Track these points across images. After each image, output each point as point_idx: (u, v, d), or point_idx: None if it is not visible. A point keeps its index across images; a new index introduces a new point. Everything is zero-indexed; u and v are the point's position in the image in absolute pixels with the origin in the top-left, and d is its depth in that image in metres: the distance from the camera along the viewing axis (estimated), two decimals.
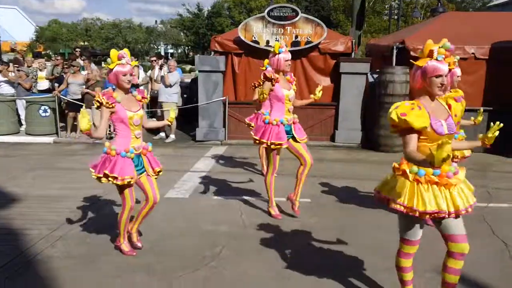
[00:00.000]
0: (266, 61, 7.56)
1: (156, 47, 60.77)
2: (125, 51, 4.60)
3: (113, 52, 4.55)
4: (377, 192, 3.70)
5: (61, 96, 12.04)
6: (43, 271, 4.66)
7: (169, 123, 5.40)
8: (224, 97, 11.24)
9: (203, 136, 11.45)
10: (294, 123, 6.00)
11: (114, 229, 5.78)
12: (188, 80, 15.60)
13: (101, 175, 4.58)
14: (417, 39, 10.70)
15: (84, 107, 11.36)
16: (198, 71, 11.65)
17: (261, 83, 7.43)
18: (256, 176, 8.43)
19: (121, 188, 4.74)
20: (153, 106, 12.82)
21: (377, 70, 11.02)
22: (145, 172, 4.89)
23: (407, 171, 3.46)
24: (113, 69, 4.53)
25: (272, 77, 5.74)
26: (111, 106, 4.52)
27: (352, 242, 5.45)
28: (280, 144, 5.84)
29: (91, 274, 4.60)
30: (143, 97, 4.84)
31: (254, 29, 11.08)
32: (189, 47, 54.44)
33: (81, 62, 12.94)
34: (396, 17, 29.88)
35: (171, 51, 61.55)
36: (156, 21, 65.14)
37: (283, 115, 5.93)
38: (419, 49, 10.39)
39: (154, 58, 13.57)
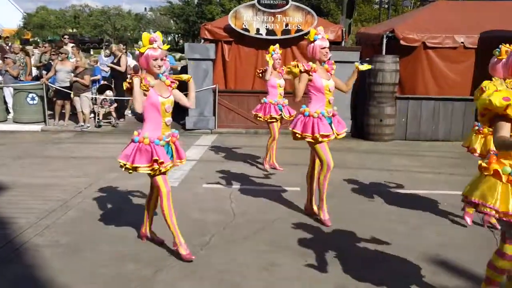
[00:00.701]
0: (272, 47, 7.67)
1: None
2: (158, 34, 4.37)
3: (145, 35, 4.31)
4: (464, 197, 3.31)
5: (49, 84, 11.93)
6: (31, 259, 4.63)
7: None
8: (214, 85, 11.19)
9: (193, 124, 11.41)
10: (333, 115, 5.57)
11: (102, 217, 5.78)
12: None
13: (142, 165, 4.42)
14: (407, 28, 10.71)
15: (72, 95, 11.33)
16: (188, 59, 11.58)
17: (261, 71, 7.76)
18: (246, 165, 8.42)
19: (153, 176, 4.57)
20: None
21: (367, 59, 11.01)
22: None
23: (500, 171, 3.08)
24: (143, 52, 4.29)
25: (307, 68, 5.32)
26: (147, 88, 4.31)
27: (342, 229, 5.48)
28: (328, 136, 5.38)
29: (79, 263, 4.58)
30: (172, 82, 4.60)
31: (244, 17, 11.02)
32: (179, 35, 54.13)
33: (69, 50, 12.81)
34: (386, 6, 29.86)
35: None
36: (145, 8, 64.81)
37: (324, 106, 5.50)
38: (408, 38, 10.45)
39: None
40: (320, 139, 5.33)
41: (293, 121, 5.62)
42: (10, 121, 12.13)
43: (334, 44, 11.02)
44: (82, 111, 11.44)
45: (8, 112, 12.56)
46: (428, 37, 10.37)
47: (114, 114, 11.96)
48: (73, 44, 14.40)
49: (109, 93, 11.97)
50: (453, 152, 9.45)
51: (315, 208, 5.85)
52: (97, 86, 12.57)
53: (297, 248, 4.97)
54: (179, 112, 13.07)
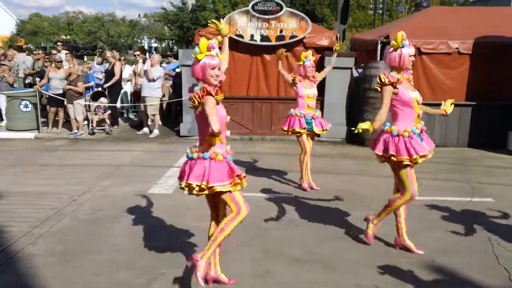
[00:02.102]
0: (304, 54, 7.06)
1: (139, 41, 60.41)
2: (215, 42, 3.91)
3: (203, 41, 3.82)
4: None
5: (42, 91, 11.88)
6: (25, 268, 4.58)
7: None
8: None
9: (187, 131, 11.37)
10: (422, 131, 4.87)
11: (95, 226, 5.73)
12: None
13: (222, 183, 3.83)
14: None
15: (65, 102, 11.28)
16: (181, 65, 11.54)
17: (293, 78, 6.99)
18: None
19: (228, 195, 3.96)
20: (137, 100, 12.75)
21: (362, 64, 11.03)
22: None
23: None
24: (200, 60, 3.81)
25: (393, 80, 4.70)
26: (219, 101, 3.84)
27: (335, 236, 5.46)
28: (426, 156, 4.72)
29: (72, 272, 4.53)
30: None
31: (238, 23, 11.01)
32: (173, 41, 54.08)
33: (63, 56, 12.77)
34: (380, 11, 29.98)
35: (155, 45, 61.15)
36: (139, 15, 64.82)
37: (413, 122, 4.82)
38: None
39: (137, 53, 13.45)
40: (419, 160, 4.68)
41: (377, 143, 4.87)
42: (3, 129, 12.06)
43: (329, 50, 11.04)
44: (75, 118, 11.38)
45: (1, 119, 12.49)
46: (422, 42, 10.38)
47: (107, 121, 11.91)
48: (66, 51, 14.37)
49: (103, 100, 11.92)
50: (449, 157, 9.45)
51: (406, 241, 5.10)
52: (91, 93, 12.52)
53: (291, 255, 4.95)
54: (173, 119, 13.10)
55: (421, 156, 4.64)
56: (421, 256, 4.91)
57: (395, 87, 4.71)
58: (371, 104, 10.46)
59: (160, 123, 12.09)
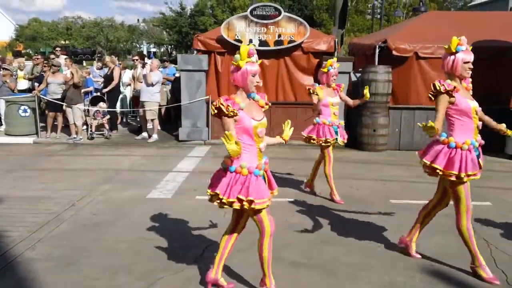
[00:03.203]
0: (330, 61, 6.76)
1: (138, 46, 60.47)
2: (253, 48, 3.83)
3: (244, 48, 3.74)
4: None
5: (41, 96, 11.90)
6: (24, 273, 4.58)
7: (284, 142, 4.29)
8: (208, 96, 11.19)
9: (186, 136, 11.39)
10: (480, 145, 4.49)
11: (94, 230, 5.73)
12: None
13: (234, 200, 3.75)
14: (399, 38, 10.76)
15: (64, 106, 11.30)
16: (180, 70, 11.58)
17: (312, 92, 6.75)
18: None
19: (255, 212, 3.94)
20: (136, 105, 12.77)
21: (360, 69, 11.06)
22: None
23: None
24: (241, 67, 3.73)
25: (449, 88, 4.31)
26: (235, 114, 3.69)
27: (335, 241, 5.46)
28: (476, 175, 4.40)
29: (71, 276, 4.53)
30: (266, 103, 4.05)
31: (237, 28, 11.05)
32: (172, 46, 54.18)
33: (62, 61, 12.80)
34: (378, 16, 30.06)
35: (153, 50, 61.25)
36: (138, 20, 64.64)
37: (473, 134, 4.42)
38: (400, 48, 10.51)
39: (136, 57, 13.48)
40: (465, 179, 4.33)
41: (428, 152, 4.51)
42: (2, 134, 12.07)
43: (327, 55, 11.07)
44: (74, 123, 11.39)
45: (0, 124, 12.50)
46: (420, 47, 10.42)
47: (106, 126, 11.92)
48: (66, 56, 14.40)
49: (102, 104, 11.95)
50: None
51: (412, 243, 5.02)
52: (90, 97, 12.54)
53: (290, 260, 4.95)
54: (171, 123, 13.12)
55: (469, 175, 4.30)
56: (420, 260, 4.92)
57: (451, 96, 4.32)
58: (369, 109, 10.50)
59: (159, 127, 12.11)
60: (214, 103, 3.71)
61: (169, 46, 56.07)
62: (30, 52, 45.81)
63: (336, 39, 11.58)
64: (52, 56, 14.35)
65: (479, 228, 5.84)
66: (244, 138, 3.78)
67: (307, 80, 11.22)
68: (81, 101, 11.62)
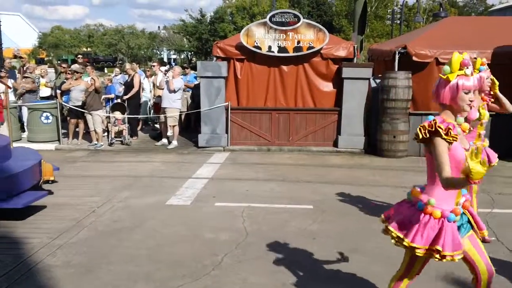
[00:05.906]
0: (479, 61, 5.13)
1: (159, 52, 60.95)
2: (468, 57, 3.11)
3: (457, 57, 3.07)
4: None
5: (63, 103, 12.05)
6: (44, 280, 4.62)
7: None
8: (227, 103, 11.22)
9: (206, 142, 11.42)
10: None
11: (114, 237, 5.77)
12: None
13: (419, 246, 3.09)
14: (419, 44, 10.66)
15: (85, 113, 11.42)
16: (200, 77, 11.63)
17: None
18: (259, 182, 8.38)
19: (415, 256, 3.24)
20: (156, 112, 12.87)
21: (380, 75, 10.99)
22: (469, 233, 3.29)
23: None
24: (450, 81, 3.03)
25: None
26: (455, 140, 2.96)
27: (355, 249, 5.41)
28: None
29: (91, 283, 4.56)
30: (469, 128, 3.23)
31: (256, 35, 11.06)
32: (192, 52, 54.50)
33: (77, 67, 12.95)
34: (398, 21, 29.88)
35: (174, 56, 61.69)
36: (159, 27, 65.34)
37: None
38: (421, 54, 10.42)
39: (155, 64, 13.57)
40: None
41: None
42: (25, 140, 12.23)
43: (346, 61, 11.03)
44: (95, 130, 11.50)
45: (23, 131, 12.68)
46: (440, 53, 10.32)
47: (125, 132, 12.00)
48: (87, 63, 14.57)
49: (117, 114, 12.04)
50: None
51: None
52: (111, 104, 12.67)
53: (309, 267, 4.92)
54: (191, 130, 13.18)
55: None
56: (441, 269, 4.84)
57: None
58: (389, 115, 10.41)
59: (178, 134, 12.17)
60: (426, 125, 3.00)
61: (189, 53, 56.46)
62: (51, 58, 46.51)
63: (356, 45, 11.52)
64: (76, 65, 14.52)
65: (501, 236, 5.74)
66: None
67: (327, 86, 11.19)
68: (101, 108, 11.73)
